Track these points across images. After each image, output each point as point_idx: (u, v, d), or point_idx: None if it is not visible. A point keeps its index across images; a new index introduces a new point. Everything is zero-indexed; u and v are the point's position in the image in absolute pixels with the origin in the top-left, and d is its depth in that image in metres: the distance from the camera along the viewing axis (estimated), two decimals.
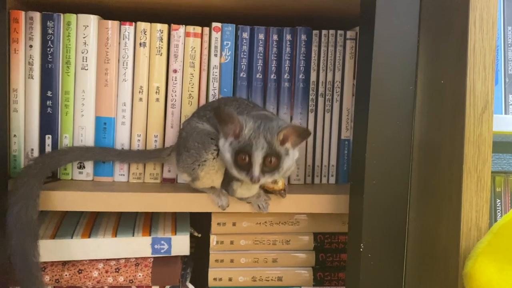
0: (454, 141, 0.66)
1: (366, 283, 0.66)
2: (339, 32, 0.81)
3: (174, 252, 0.77)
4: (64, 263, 0.75)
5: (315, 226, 0.81)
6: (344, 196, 0.73)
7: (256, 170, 0.63)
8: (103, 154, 0.77)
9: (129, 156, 0.78)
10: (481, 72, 0.64)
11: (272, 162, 0.64)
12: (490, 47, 0.64)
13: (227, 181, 0.71)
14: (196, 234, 0.80)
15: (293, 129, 0.65)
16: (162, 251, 0.76)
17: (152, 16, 0.80)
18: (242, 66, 0.80)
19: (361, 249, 0.65)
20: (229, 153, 0.65)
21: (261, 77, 0.80)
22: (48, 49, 0.76)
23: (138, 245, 0.76)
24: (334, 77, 0.81)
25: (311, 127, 0.82)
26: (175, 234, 0.77)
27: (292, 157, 0.67)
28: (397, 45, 0.63)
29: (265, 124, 0.65)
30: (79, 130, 0.78)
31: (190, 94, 0.79)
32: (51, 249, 0.74)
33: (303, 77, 0.81)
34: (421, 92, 0.78)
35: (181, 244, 0.76)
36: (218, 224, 0.79)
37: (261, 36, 0.79)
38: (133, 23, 0.77)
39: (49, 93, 0.77)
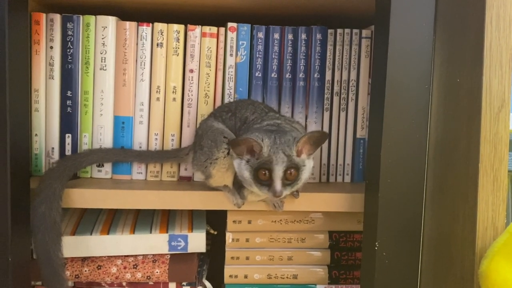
0: (470, 140, 0.66)
1: (381, 281, 0.66)
2: (355, 31, 0.81)
3: (190, 249, 0.78)
4: (84, 259, 0.77)
5: (330, 224, 0.81)
6: (360, 194, 0.73)
7: (278, 185, 0.64)
8: (122, 155, 0.79)
9: (148, 156, 0.79)
10: (497, 70, 0.63)
11: (292, 175, 0.65)
12: (506, 45, 0.63)
13: (238, 187, 0.72)
14: (212, 231, 0.81)
15: (310, 137, 0.64)
16: (179, 248, 0.78)
17: (169, 17, 0.81)
18: (258, 65, 0.80)
19: (376, 248, 0.65)
20: (247, 171, 0.65)
21: (276, 76, 0.81)
22: (68, 50, 0.78)
23: (155, 242, 0.77)
24: (349, 76, 0.82)
25: (326, 126, 0.82)
26: (192, 231, 0.78)
27: (308, 167, 0.67)
28: (413, 44, 0.63)
29: (280, 137, 0.65)
30: (98, 129, 0.79)
31: (206, 93, 0.80)
32: (71, 246, 0.75)
33: (318, 76, 0.81)
34: (436, 90, 0.78)
35: (197, 241, 0.78)
36: (234, 222, 0.80)
37: (276, 36, 0.80)
38: (150, 24, 0.79)
39: (69, 93, 0.79)
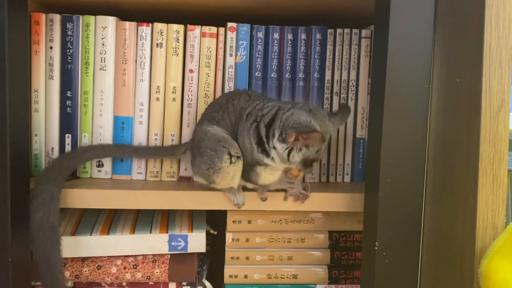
0: (469, 140, 0.66)
1: (381, 281, 0.66)
2: (354, 30, 0.81)
3: (190, 249, 0.78)
4: (84, 259, 0.77)
5: (330, 224, 0.81)
6: (359, 194, 0.73)
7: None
8: (119, 151, 0.78)
9: (145, 152, 0.79)
10: (497, 70, 0.63)
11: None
12: (506, 45, 0.63)
13: (250, 168, 0.70)
14: (212, 231, 0.81)
15: (342, 118, 0.75)
16: (179, 248, 0.78)
17: (168, 17, 0.81)
18: (257, 65, 0.80)
19: (376, 248, 0.65)
20: (298, 159, 0.68)
21: (276, 76, 0.81)
22: (68, 50, 0.78)
23: (155, 242, 0.77)
24: (349, 76, 0.82)
25: None
26: (192, 231, 0.78)
27: None
28: (412, 44, 0.63)
29: (324, 122, 0.69)
30: (98, 129, 0.79)
31: (205, 93, 0.80)
32: (71, 246, 0.76)
33: (318, 76, 0.81)
34: (436, 90, 0.78)
35: (197, 241, 0.78)
36: (234, 222, 0.80)
37: (276, 36, 0.80)
38: (150, 24, 0.78)
39: (68, 93, 0.79)
